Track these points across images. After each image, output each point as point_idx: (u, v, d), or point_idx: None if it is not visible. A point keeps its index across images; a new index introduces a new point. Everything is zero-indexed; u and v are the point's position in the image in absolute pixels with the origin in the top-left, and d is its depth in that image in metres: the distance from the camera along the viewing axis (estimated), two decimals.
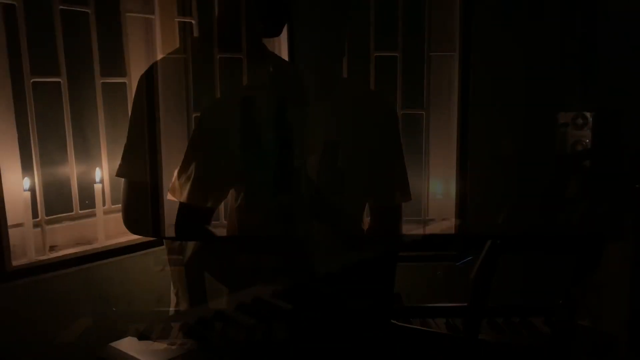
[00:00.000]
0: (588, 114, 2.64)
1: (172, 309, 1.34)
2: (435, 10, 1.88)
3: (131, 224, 1.21)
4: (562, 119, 2.72)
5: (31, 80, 1.61)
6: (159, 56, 1.86)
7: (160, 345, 0.84)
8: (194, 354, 0.80)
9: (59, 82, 1.68)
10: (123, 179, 1.19)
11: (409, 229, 1.60)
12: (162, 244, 1.75)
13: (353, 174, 1.17)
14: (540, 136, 2.98)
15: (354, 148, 1.18)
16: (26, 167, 1.64)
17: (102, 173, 1.77)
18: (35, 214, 1.63)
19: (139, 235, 1.32)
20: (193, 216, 1.31)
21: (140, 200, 1.20)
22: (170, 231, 1.36)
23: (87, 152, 1.79)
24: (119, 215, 1.83)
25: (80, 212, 1.76)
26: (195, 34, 1.97)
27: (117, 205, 1.83)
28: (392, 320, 0.88)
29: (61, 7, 1.65)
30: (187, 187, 1.28)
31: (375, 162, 1.25)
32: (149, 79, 1.29)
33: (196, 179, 1.28)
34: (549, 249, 0.94)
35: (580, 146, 2.65)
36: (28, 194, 1.60)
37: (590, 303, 1.13)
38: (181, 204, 1.32)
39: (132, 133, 1.18)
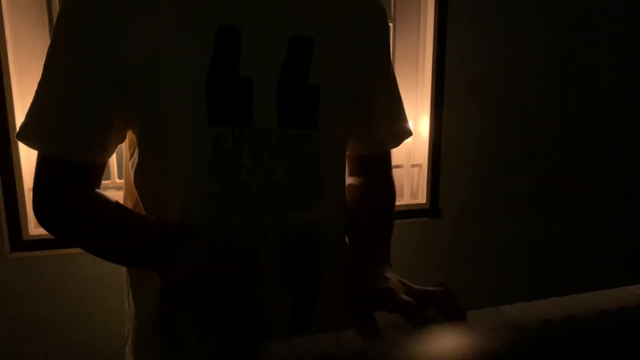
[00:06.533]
0: None
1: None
2: None
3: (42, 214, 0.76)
4: None
5: None
6: None
7: None
8: None
9: None
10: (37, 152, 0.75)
11: None
12: None
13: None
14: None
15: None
16: None
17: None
18: None
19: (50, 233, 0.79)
20: (64, 177, 0.73)
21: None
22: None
23: None
24: None
25: (104, 181, 1.66)
26: None
27: None
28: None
29: None
30: (53, 128, 0.72)
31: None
32: None
33: (68, 115, 0.71)
34: None
35: None
36: None
37: None
38: (41, 158, 0.74)
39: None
